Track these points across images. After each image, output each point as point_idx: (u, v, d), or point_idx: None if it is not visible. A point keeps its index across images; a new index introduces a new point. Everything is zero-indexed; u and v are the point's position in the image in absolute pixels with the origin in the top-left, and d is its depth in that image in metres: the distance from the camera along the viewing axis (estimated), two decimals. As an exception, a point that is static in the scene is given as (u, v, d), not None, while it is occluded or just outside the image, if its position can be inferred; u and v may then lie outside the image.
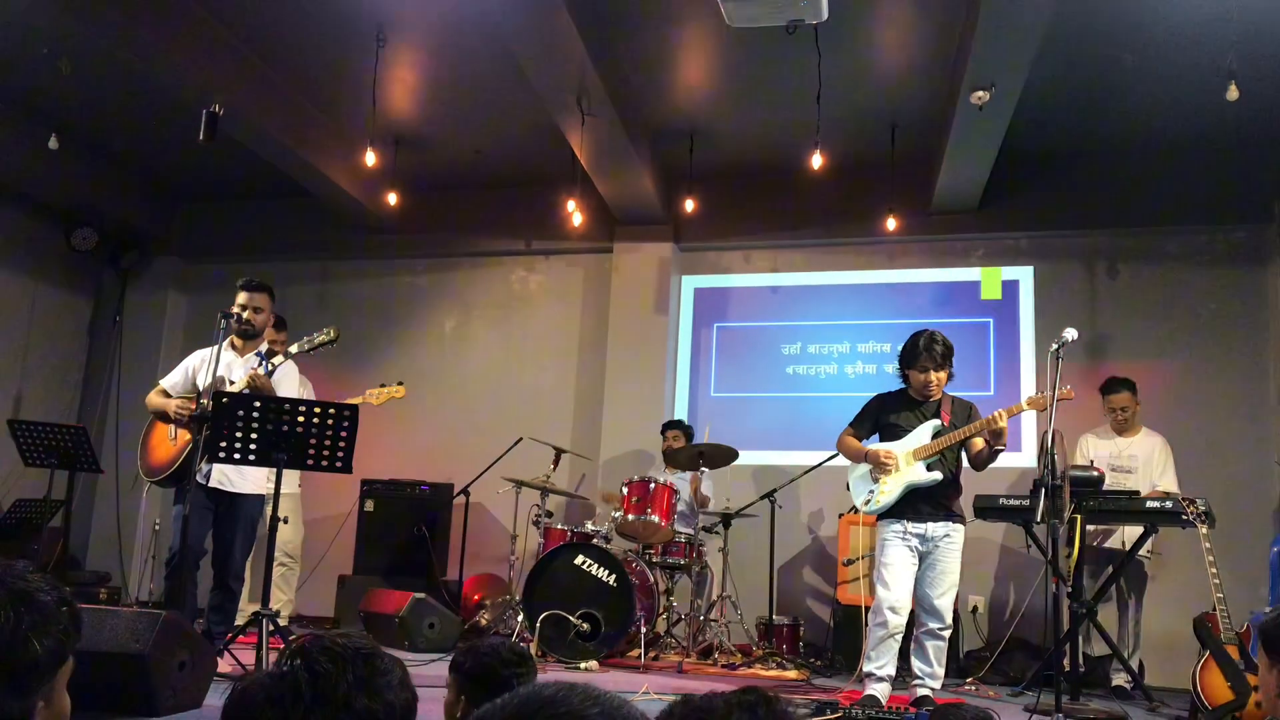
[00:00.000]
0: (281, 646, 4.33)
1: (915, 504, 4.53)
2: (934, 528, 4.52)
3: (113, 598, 7.52)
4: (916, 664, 4.49)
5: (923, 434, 4.60)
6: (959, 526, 4.55)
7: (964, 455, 4.65)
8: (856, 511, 4.88)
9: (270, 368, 4.71)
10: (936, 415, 4.62)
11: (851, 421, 4.85)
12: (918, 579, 4.53)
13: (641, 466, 7.21)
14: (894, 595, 4.48)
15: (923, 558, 4.54)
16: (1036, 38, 5.24)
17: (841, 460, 5.14)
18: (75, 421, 8.29)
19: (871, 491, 4.63)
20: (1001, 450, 4.46)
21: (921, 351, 4.62)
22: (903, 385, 4.77)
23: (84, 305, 8.95)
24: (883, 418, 4.76)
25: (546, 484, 6.59)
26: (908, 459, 4.56)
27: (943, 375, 4.64)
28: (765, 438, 7.55)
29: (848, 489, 4.85)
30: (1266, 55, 5.83)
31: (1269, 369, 6.92)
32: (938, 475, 4.52)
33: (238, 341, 4.90)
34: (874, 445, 4.72)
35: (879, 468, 4.60)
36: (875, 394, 4.89)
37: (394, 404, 5.55)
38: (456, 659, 2.43)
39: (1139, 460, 6.07)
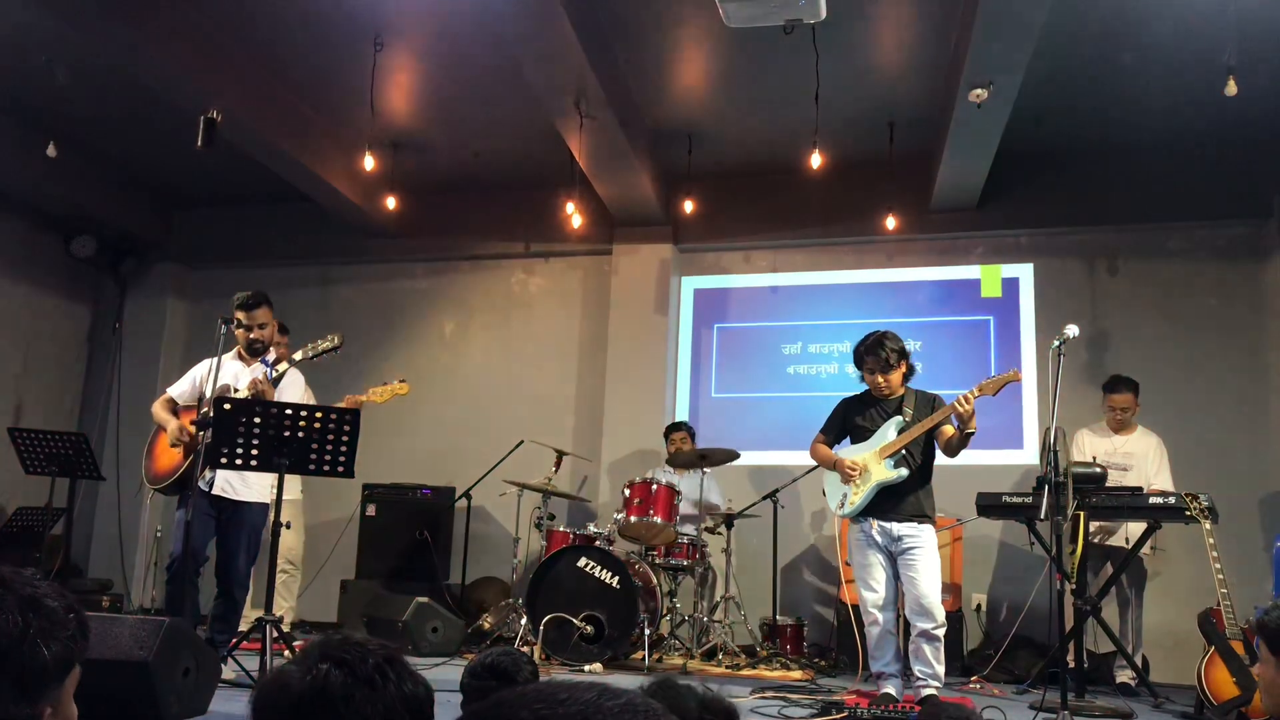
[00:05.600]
0: (285, 652, 4.32)
1: (883, 504, 4.58)
2: (900, 528, 4.55)
3: (115, 605, 7.50)
4: (916, 667, 4.51)
5: (887, 431, 4.64)
6: (926, 527, 4.57)
7: (931, 451, 4.67)
8: None
9: (276, 374, 4.70)
10: (899, 412, 4.65)
11: (821, 428, 4.93)
12: (901, 583, 4.57)
13: (643, 467, 7.21)
14: (877, 595, 4.59)
15: (897, 560, 4.57)
16: (1034, 35, 5.24)
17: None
18: (76, 429, 8.29)
19: (844, 495, 4.69)
20: (973, 434, 4.47)
21: (865, 355, 4.71)
22: (867, 386, 4.82)
23: (83, 312, 8.95)
24: (849, 420, 4.82)
25: (548, 486, 6.59)
26: (875, 458, 4.60)
27: (894, 376, 4.69)
28: (767, 438, 7.54)
29: (824, 495, 4.88)
30: (1264, 50, 5.83)
31: (1269, 363, 6.92)
32: (903, 471, 4.54)
33: (245, 353, 4.91)
34: (843, 450, 4.78)
35: (844, 478, 4.66)
36: (841, 398, 4.95)
37: (395, 407, 5.55)
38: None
39: (1135, 458, 6.08)
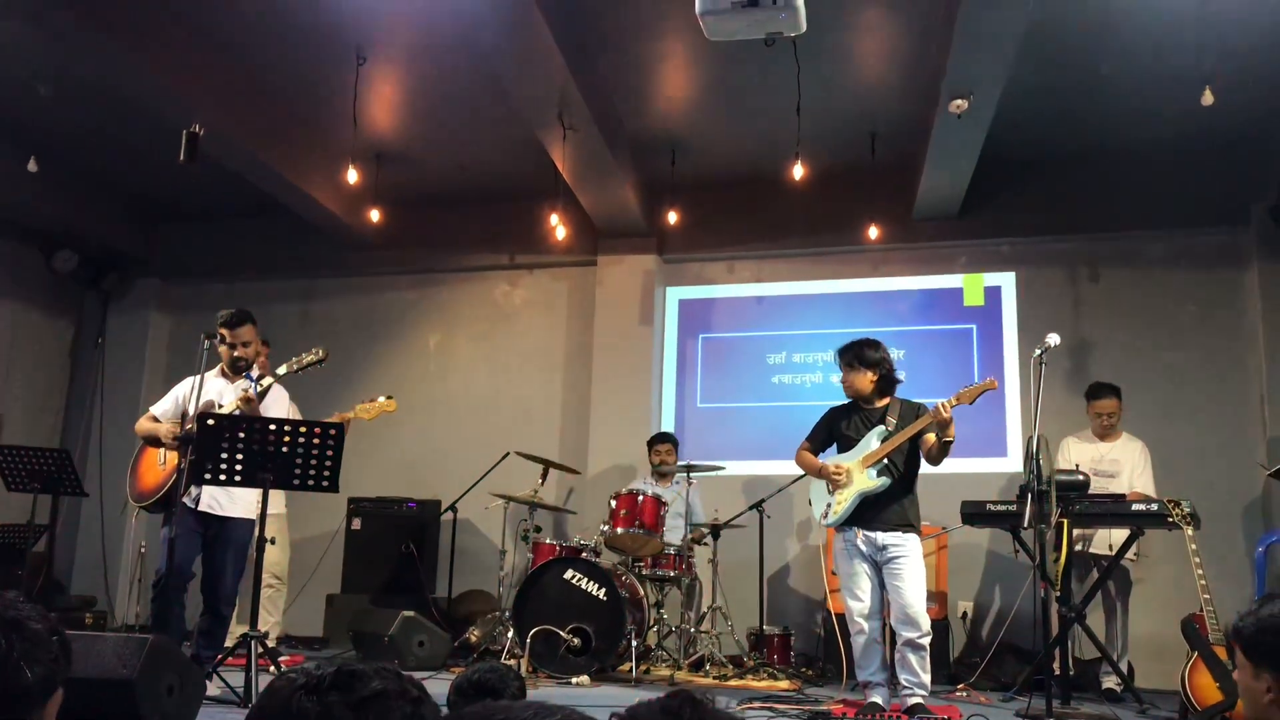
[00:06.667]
0: (270, 668, 4.30)
1: (867, 514, 4.61)
2: (884, 538, 4.57)
3: (98, 622, 7.45)
4: (903, 676, 4.52)
5: (871, 440, 4.67)
6: (910, 536, 4.59)
7: (916, 460, 4.70)
8: None
9: (260, 389, 4.68)
10: (882, 421, 4.68)
11: (807, 436, 4.96)
12: (887, 592, 4.59)
13: (630, 479, 7.21)
14: (863, 604, 4.61)
15: (882, 569, 4.59)
16: (1014, 46, 5.28)
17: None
18: (58, 445, 8.23)
19: (828, 504, 4.72)
20: (951, 441, 4.51)
21: (837, 355, 4.83)
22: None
23: (65, 328, 8.90)
24: (835, 429, 4.86)
25: (534, 499, 6.58)
26: (858, 467, 4.63)
27: (857, 379, 4.73)
28: (752, 448, 7.55)
29: (810, 504, 4.90)
30: (1240, 60, 5.89)
31: (1249, 369, 6.97)
32: (885, 480, 4.57)
33: (228, 370, 4.89)
34: (828, 459, 4.80)
35: (830, 483, 4.67)
36: (829, 407, 4.99)
37: (380, 421, 5.53)
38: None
39: (1121, 465, 6.11)
